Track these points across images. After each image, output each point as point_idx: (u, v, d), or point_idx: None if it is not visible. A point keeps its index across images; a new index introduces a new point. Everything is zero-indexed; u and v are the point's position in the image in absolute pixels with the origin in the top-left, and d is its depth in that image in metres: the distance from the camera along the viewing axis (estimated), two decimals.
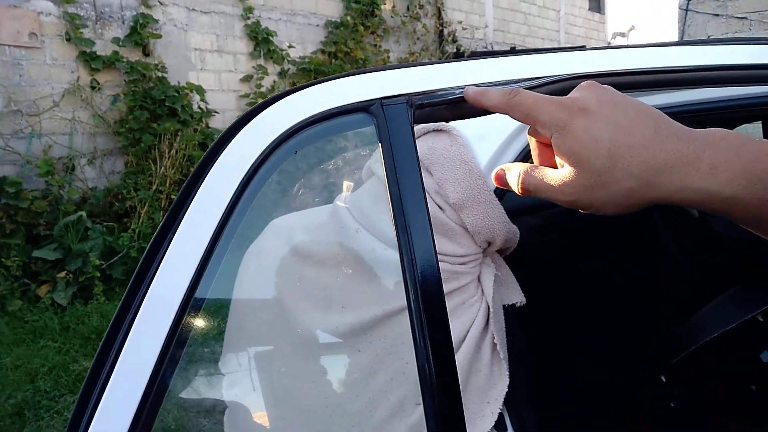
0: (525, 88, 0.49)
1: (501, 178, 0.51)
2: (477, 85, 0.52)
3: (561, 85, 0.54)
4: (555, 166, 0.48)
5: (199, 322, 0.63)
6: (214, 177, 0.60)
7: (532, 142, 0.52)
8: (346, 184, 0.99)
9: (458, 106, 0.53)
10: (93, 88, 4.90)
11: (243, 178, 0.59)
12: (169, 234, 0.59)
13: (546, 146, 0.49)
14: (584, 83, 0.48)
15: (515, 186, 0.49)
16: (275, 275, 1.16)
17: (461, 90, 0.52)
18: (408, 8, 8.10)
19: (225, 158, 0.60)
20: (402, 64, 0.56)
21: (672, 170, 0.43)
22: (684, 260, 1.73)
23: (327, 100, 0.58)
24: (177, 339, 0.56)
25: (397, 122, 0.54)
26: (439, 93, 0.55)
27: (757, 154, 0.42)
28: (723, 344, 1.26)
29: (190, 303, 0.57)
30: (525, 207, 1.51)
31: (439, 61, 0.58)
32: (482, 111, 0.53)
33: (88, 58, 4.85)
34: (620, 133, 0.44)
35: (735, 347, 1.28)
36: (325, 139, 0.62)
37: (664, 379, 1.35)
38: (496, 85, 0.53)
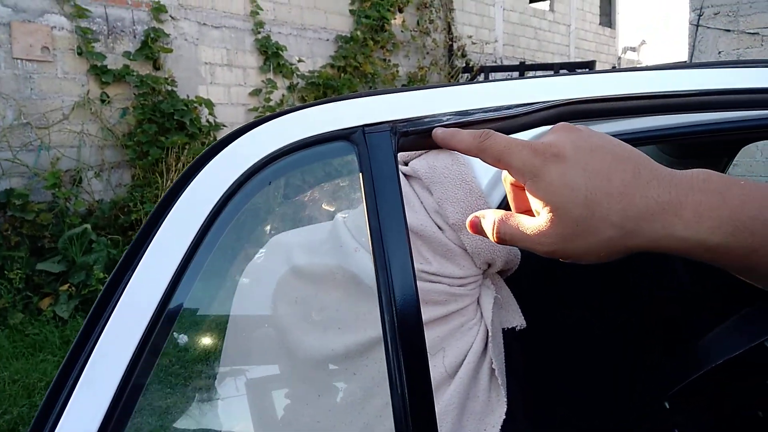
0: (506, 117, 0.47)
1: (476, 226, 0.48)
2: (456, 122, 0.50)
3: (542, 115, 0.51)
4: (532, 213, 0.46)
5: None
6: (178, 212, 0.57)
7: (507, 186, 0.49)
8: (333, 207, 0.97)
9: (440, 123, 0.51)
10: (103, 101, 4.94)
11: (209, 213, 0.56)
12: (127, 272, 0.56)
13: (522, 190, 0.47)
14: (558, 126, 0.46)
15: (490, 235, 0.47)
16: (273, 293, 1.14)
17: (449, 117, 0.50)
18: (418, 23, 8.13)
19: (190, 193, 0.57)
20: (385, 89, 0.53)
21: (654, 218, 0.40)
22: (690, 282, 1.69)
23: (303, 128, 0.56)
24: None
25: (380, 151, 0.52)
26: (425, 120, 0.53)
27: (743, 198, 0.39)
28: (729, 370, 1.22)
29: (141, 357, 0.54)
30: None
31: (425, 87, 0.55)
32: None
33: (99, 72, 4.89)
34: (597, 180, 0.41)
35: (741, 373, 1.24)
36: (303, 169, 0.60)
37: (667, 406, 1.31)
38: (485, 112, 0.51)
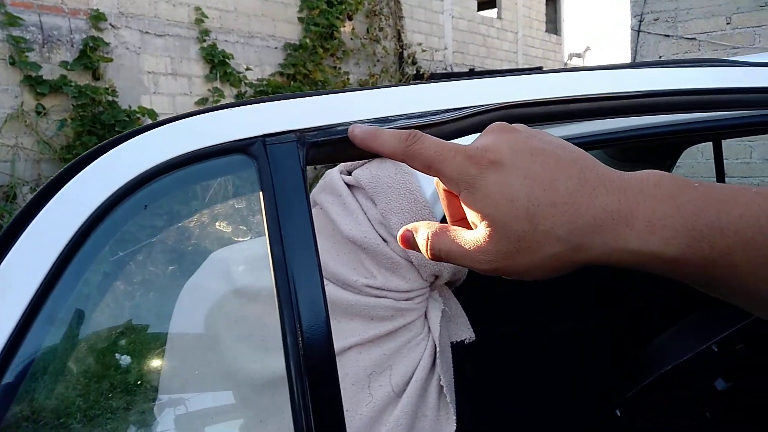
0: (434, 123, 0.42)
1: (407, 241, 0.43)
2: (385, 120, 0.44)
3: (474, 120, 0.46)
4: (468, 224, 0.41)
5: None
6: (23, 250, 0.46)
7: (440, 191, 0.44)
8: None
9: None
10: (38, 113, 4.71)
11: (64, 248, 0.46)
12: None
13: (456, 197, 0.41)
14: (494, 126, 0.40)
15: (424, 251, 0.41)
16: (212, 313, 1.07)
17: (367, 124, 0.44)
18: (368, 30, 8.11)
19: (39, 224, 0.46)
20: (290, 94, 0.46)
21: (603, 229, 0.36)
22: (642, 287, 1.70)
23: (190, 141, 0.47)
24: None
25: (285, 165, 0.45)
26: (339, 129, 0.46)
27: (698, 203, 0.35)
28: (678, 374, 1.22)
29: None
30: None
31: (337, 91, 0.48)
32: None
33: (34, 83, 4.66)
34: (539, 189, 0.37)
35: (690, 377, 1.25)
36: (189, 189, 0.50)
37: (618, 413, 1.30)
38: (409, 118, 0.45)
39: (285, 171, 0.45)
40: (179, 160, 0.46)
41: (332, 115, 0.46)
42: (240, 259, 1.06)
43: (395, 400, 0.98)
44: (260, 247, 1.02)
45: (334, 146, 0.45)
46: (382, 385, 0.98)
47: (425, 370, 1.01)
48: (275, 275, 0.44)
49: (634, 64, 0.60)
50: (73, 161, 0.47)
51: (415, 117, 0.45)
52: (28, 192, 4.67)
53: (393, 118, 0.45)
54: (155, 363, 1.07)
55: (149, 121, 5.36)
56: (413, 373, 1.01)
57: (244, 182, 0.51)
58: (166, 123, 0.47)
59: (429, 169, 0.40)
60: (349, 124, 0.45)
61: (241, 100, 0.47)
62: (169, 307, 0.96)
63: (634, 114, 0.69)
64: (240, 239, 0.90)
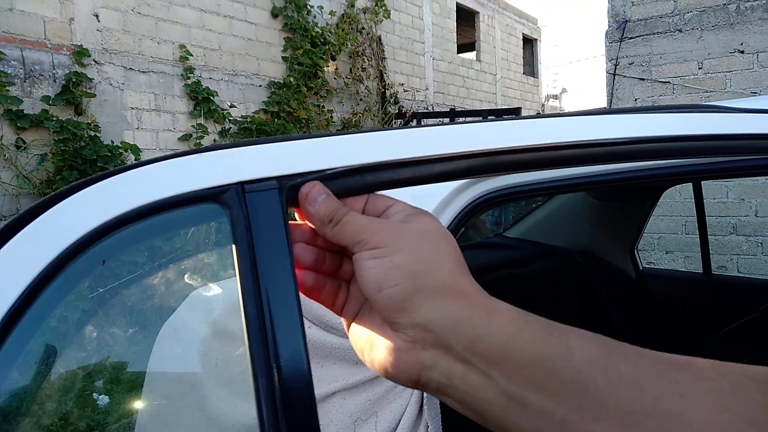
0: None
1: (309, 200, 0.42)
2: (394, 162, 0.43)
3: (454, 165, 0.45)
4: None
5: None
6: None
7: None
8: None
9: (344, 180, 0.43)
10: (18, 147, 4.66)
11: (15, 303, 0.41)
12: None
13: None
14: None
15: (323, 222, 0.42)
16: (191, 355, 1.04)
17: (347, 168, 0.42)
18: (351, 70, 8.24)
19: None
20: (270, 138, 0.44)
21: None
22: (625, 325, 1.70)
23: (151, 189, 0.42)
24: None
25: (265, 213, 0.41)
26: (327, 173, 0.43)
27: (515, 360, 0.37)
28: None
29: None
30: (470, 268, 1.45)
31: (321, 135, 0.44)
32: (367, 185, 0.43)
33: (14, 117, 4.62)
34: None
35: None
36: (149, 242, 0.46)
37: None
38: (404, 164, 0.44)
39: (265, 220, 0.41)
40: (140, 210, 0.42)
41: (319, 160, 0.43)
42: (221, 299, 1.04)
43: None
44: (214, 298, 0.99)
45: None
46: None
47: (412, 417, 0.99)
48: (249, 342, 0.40)
49: (616, 110, 0.60)
50: (20, 213, 0.43)
51: (408, 164, 0.43)
52: None
53: (387, 163, 0.43)
54: (133, 404, 1.03)
55: (132, 157, 5.33)
56: (399, 421, 0.98)
57: (215, 234, 0.48)
58: (127, 170, 0.43)
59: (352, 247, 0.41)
60: (336, 169, 0.42)
61: (214, 144, 0.44)
62: (148, 348, 0.93)
63: (618, 161, 0.70)
64: (208, 293, 0.87)
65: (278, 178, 0.42)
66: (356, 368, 0.95)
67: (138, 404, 1.00)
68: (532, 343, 0.36)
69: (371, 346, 0.41)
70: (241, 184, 0.42)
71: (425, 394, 0.98)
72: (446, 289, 0.39)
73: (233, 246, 0.41)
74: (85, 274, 0.44)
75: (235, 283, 0.42)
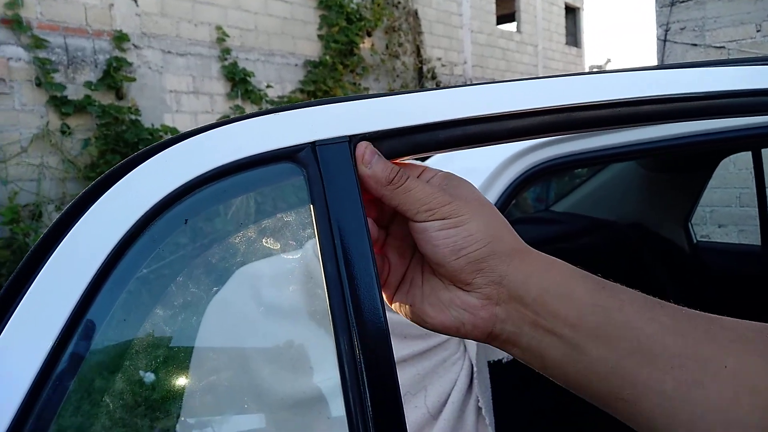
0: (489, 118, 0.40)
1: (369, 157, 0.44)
2: (439, 123, 0.41)
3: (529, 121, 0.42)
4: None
5: None
6: (57, 266, 0.42)
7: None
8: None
9: (409, 137, 0.42)
10: (63, 132, 4.77)
11: (102, 264, 0.42)
12: None
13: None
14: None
15: (383, 185, 0.43)
16: (239, 331, 1.04)
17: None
18: (387, 46, 8.14)
19: (72, 240, 0.42)
20: (340, 97, 0.43)
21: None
22: (680, 299, 1.63)
23: (230, 149, 0.43)
24: None
25: (337, 170, 0.41)
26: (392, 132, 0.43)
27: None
28: None
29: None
30: None
31: (386, 94, 0.45)
32: (444, 141, 0.42)
33: (59, 103, 4.73)
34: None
35: None
36: (231, 202, 0.46)
37: None
38: (459, 123, 0.42)
39: (337, 176, 0.41)
40: (219, 170, 0.43)
41: (386, 119, 0.43)
42: (268, 274, 1.03)
43: (431, 422, 0.93)
44: (290, 262, 0.98)
45: (380, 142, 0.42)
46: (417, 406, 0.93)
47: (462, 391, 0.96)
48: (329, 294, 0.40)
49: (674, 65, 0.54)
50: (104, 174, 0.44)
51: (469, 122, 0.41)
52: (53, 210, 4.72)
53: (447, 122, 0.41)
54: (180, 381, 1.03)
55: None
56: (449, 394, 0.96)
57: (292, 192, 0.47)
58: (203, 131, 0.44)
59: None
60: (405, 128, 0.42)
61: (286, 105, 0.44)
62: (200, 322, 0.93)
63: (691, 118, 0.64)
64: (286, 254, 0.88)
65: (350, 137, 0.43)
66: (405, 342, 0.93)
67: (185, 379, 1.00)
68: (590, 295, 0.41)
69: (438, 308, 0.45)
70: (314, 143, 0.43)
71: (475, 369, 0.95)
72: (515, 250, 0.43)
73: (310, 205, 0.42)
74: (169, 233, 0.45)
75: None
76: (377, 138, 0.43)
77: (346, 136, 0.43)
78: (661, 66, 0.45)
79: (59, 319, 0.42)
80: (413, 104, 0.43)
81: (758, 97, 0.49)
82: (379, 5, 7.84)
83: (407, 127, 0.43)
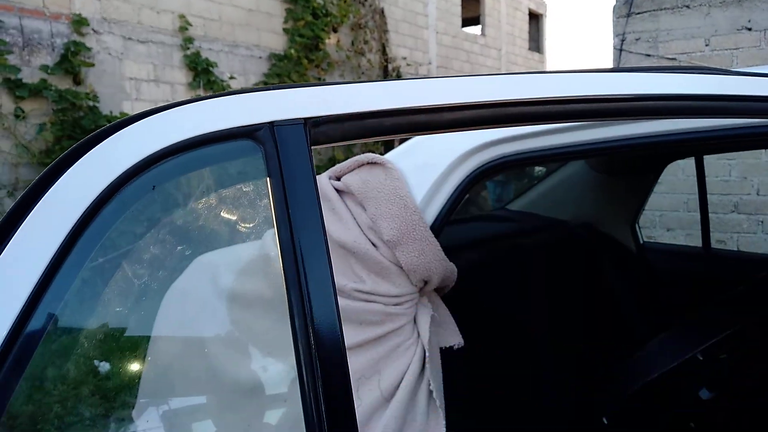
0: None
1: None
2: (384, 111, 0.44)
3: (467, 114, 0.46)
4: None
5: None
6: (34, 223, 0.45)
7: None
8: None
9: (359, 122, 0.46)
10: (17, 116, 4.63)
11: (74, 224, 0.45)
12: None
13: None
14: None
15: None
16: (198, 317, 1.05)
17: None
18: (353, 43, 8.15)
19: (50, 198, 0.45)
20: (297, 84, 0.47)
21: None
22: (626, 297, 1.71)
23: (196, 124, 0.47)
24: None
25: (292, 148, 0.45)
26: (343, 115, 0.47)
27: None
28: (663, 383, 1.23)
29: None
30: (464, 243, 1.46)
31: (339, 82, 0.49)
32: (390, 128, 0.46)
33: (13, 85, 4.59)
34: None
35: (675, 386, 1.25)
36: (195, 172, 0.50)
37: (605, 422, 1.30)
38: (404, 112, 0.46)
39: (293, 155, 0.45)
40: (187, 143, 0.46)
41: (338, 105, 0.47)
42: (227, 263, 1.05)
43: (384, 404, 0.97)
44: (249, 251, 1.00)
45: (334, 125, 0.46)
46: (371, 389, 0.97)
47: (414, 374, 1.01)
48: (283, 260, 0.44)
49: (623, 69, 0.60)
50: (81, 141, 0.47)
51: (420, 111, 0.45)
52: (4, 196, 4.57)
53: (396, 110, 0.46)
54: (135, 367, 1.04)
55: None
56: (402, 378, 1.00)
57: (251, 167, 0.50)
58: (172, 107, 0.47)
59: None
60: (356, 114, 0.45)
61: (245, 88, 0.47)
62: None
63: (621, 117, 0.70)
64: (245, 225, 0.90)
65: (305, 120, 0.46)
66: (360, 328, 0.96)
67: (141, 365, 1.01)
68: None
69: None
70: (272, 122, 0.46)
71: (427, 354, 0.99)
72: None
73: (267, 178, 0.45)
74: (136, 197, 0.48)
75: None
76: (330, 121, 0.47)
77: (301, 118, 0.47)
78: (584, 70, 0.50)
79: (25, 288, 0.44)
80: (363, 93, 0.48)
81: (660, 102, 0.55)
82: (345, 1, 7.85)
83: (357, 113, 0.47)
